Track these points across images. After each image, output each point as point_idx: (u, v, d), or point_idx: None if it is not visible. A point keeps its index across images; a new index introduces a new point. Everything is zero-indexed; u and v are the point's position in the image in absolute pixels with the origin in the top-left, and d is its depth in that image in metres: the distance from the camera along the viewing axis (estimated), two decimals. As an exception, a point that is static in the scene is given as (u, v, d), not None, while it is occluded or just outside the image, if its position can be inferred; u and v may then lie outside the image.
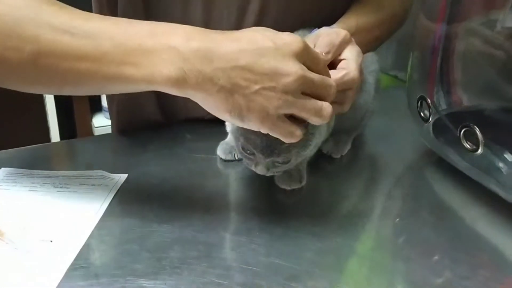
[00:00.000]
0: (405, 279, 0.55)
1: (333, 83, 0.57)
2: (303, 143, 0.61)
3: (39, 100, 1.79)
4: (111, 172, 0.73)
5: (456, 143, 0.67)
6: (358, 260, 0.58)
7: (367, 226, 0.64)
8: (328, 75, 0.59)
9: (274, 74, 0.53)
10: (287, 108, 0.54)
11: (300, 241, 0.59)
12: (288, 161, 0.63)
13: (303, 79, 0.54)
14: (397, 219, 0.66)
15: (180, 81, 0.54)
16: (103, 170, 0.73)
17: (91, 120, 1.89)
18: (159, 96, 0.88)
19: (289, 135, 0.56)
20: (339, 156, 0.76)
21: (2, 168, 0.74)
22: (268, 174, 0.64)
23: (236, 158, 0.75)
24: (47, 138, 1.79)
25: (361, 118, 0.79)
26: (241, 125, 0.57)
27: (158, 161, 0.77)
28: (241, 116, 0.55)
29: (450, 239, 0.61)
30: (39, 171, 0.73)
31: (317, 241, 0.59)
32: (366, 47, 0.78)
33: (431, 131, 0.73)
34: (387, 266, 0.57)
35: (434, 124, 0.73)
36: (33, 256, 0.56)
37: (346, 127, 0.77)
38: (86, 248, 0.57)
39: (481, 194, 0.68)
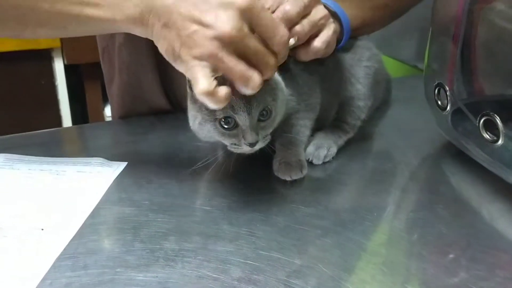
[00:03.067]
0: (416, 279, 0.51)
1: (274, 58, 0.55)
2: (270, 90, 0.60)
3: (52, 89, 1.78)
4: (111, 160, 0.70)
5: (475, 133, 0.62)
6: (366, 256, 0.54)
7: (377, 221, 0.59)
8: (281, 46, 0.55)
9: (209, 23, 0.52)
10: (213, 61, 0.52)
11: (304, 234, 0.55)
12: (270, 113, 0.60)
13: (237, 38, 0.52)
14: (410, 214, 0.62)
15: (139, 20, 0.55)
16: (103, 157, 0.71)
17: (103, 109, 1.87)
18: (164, 82, 0.85)
19: (195, 82, 0.53)
20: (320, 162, 0.71)
21: (1, 154, 0.71)
22: (260, 142, 0.60)
23: None
24: (59, 126, 1.78)
25: (347, 112, 0.75)
26: (175, 66, 0.56)
27: (160, 149, 0.74)
28: (174, 56, 0.55)
29: (467, 237, 0.57)
30: (38, 157, 0.71)
31: (322, 235, 0.55)
32: (372, 13, 0.78)
33: (449, 121, 0.68)
34: (397, 264, 0.53)
35: (452, 113, 0.68)
36: (22, 244, 0.53)
37: (327, 118, 0.75)
38: (78, 237, 0.55)
39: (501, 189, 0.63)
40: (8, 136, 0.82)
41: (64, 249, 0.53)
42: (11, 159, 0.71)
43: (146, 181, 0.66)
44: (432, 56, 0.72)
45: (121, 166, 0.69)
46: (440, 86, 0.68)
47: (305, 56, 0.67)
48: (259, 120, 0.60)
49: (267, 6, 0.61)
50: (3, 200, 0.61)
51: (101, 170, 0.68)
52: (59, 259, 0.51)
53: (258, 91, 0.56)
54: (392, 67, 1.35)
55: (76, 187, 0.64)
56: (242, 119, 0.58)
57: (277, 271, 0.50)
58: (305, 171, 0.66)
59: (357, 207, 0.62)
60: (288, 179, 0.65)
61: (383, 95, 0.86)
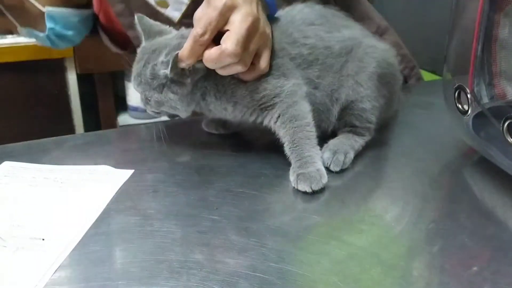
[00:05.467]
0: (438, 293, 0.48)
1: None
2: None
3: (64, 98, 1.78)
4: (118, 167, 0.68)
5: (498, 138, 0.59)
6: (384, 269, 0.50)
7: (396, 231, 0.56)
8: None
9: None
10: None
11: (317, 246, 0.52)
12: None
13: None
14: (431, 224, 0.58)
15: None
16: (110, 165, 0.68)
17: (116, 119, 1.87)
18: None
19: None
20: (338, 169, 0.67)
21: (5, 162, 0.70)
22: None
23: (216, 131, 0.78)
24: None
25: (353, 116, 0.72)
26: None
27: (168, 156, 0.72)
28: None
29: (491, 248, 0.53)
30: (42, 165, 0.69)
31: (337, 247, 0.52)
32: None
33: (470, 126, 0.65)
34: (418, 278, 0.50)
35: (473, 118, 0.65)
36: (22, 255, 0.51)
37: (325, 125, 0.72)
38: (80, 247, 0.52)
39: (528, 197, 0.60)
40: (13, 144, 0.81)
41: (65, 260, 0.50)
42: (15, 167, 0.69)
43: (152, 189, 0.63)
44: (451, 58, 0.69)
45: (127, 174, 0.67)
46: (460, 88, 0.65)
47: (249, 77, 0.65)
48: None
49: (206, 37, 0.61)
50: (5, 209, 0.59)
51: (107, 178, 0.65)
52: (60, 270, 0.49)
53: None
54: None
55: (80, 195, 0.62)
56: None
57: (288, 284, 0.47)
58: (324, 180, 0.62)
59: (373, 217, 0.58)
60: (309, 190, 0.61)
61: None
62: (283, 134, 0.67)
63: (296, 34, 0.70)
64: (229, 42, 0.60)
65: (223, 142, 0.76)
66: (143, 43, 0.70)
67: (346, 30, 0.73)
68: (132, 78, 0.69)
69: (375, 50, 0.72)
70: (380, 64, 0.71)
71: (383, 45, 0.75)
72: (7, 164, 0.69)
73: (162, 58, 0.64)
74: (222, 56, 0.60)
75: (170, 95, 0.66)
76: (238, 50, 0.60)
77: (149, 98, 0.67)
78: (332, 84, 0.70)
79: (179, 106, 0.68)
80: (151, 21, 0.71)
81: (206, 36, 0.61)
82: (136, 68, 0.68)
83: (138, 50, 0.70)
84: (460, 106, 0.66)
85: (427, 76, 1.31)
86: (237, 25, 0.61)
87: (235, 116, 0.69)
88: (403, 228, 0.57)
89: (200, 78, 0.66)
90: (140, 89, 0.68)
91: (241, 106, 0.68)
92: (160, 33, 0.70)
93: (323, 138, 0.70)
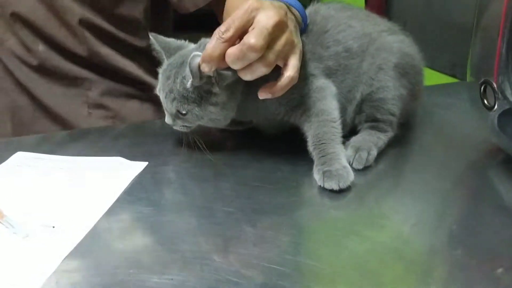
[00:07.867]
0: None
1: None
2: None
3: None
4: (132, 160, 0.67)
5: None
6: (406, 266, 0.48)
7: (419, 229, 0.54)
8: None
9: None
10: None
11: (335, 240, 0.51)
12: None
13: None
14: (454, 223, 0.56)
15: None
16: (124, 157, 0.67)
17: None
18: None
19: None
20: (361, 167, 0.65)
21: (18, 152, 0.69)
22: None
23: (231, 128, 0.73)
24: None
25: (373, 108, 0.69)
26: None
27: (182, 150, 0.70)
28: None
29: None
30: (56, 156, 0.68)
31: (358, 242, 0.50)
32: None
33: (496, 123, 0.63)
34: (441, 275, 0.47)
35: (500, 115, 0.63)
36: (32, 242, 0.50)
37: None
38: (92, 235, 0.51)
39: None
40: (28, 136, 0.81)
41: (76, 248, 0.49)
42: (28, 157, 0.68)
43: (166, 181, 0.62)
44: (477, 53, 0.67)
45: (141, 166, 0.65)
46: (486, 83, 0.62)
47: (277, 89, 0.61)
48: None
49: (228, 34, 0.58)
50: (17, 197, 0.58)
51: (120, 170, 0.64)
52: (70, 257, 0.48)
53: None
54: (429, 76, 1.30)
55: (93, 185, 0.61)
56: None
57: (305, 278, 0.45)
58: (351, 178, 0.60)
59: (394, 213, 0.57)
60: (336, 188, 0.59)
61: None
62: (307, 128, 0.65)
63: (320, 50, 0.69)
64: (251, 35, 0.57)
65: (238, 137, 0.74)
66: (166, 61, 0.67)
67: (354, 21, 0.72)
68: (164, 96, 0.66)
69: (387, 42, 0.71)
70: (395, 55, 0.70)
71: (396, 36, 0.73)
72: (20, 154, 0.69)
73: (187, 68, 0.62)
74: (244, 50, 0.56)
75: (211, 108, 0.64)
76: (260, 42, 0.57)
77: (185, 112, 0.64)
78: (349, 85, 0.70)
79: (220, 117, 0.66)
80: (166, 38, 0.69)
81: (229, 33, 0.58)
82: (166, 85, 0.65)
83: (163, 68, 0.67)
84: (486, 102, 0.63)
85: (447, 79, 1.29)
86: (261, 21, 0.58)
87: (265, 117, 0.69)
88: (424, 225, 0.55)
89: (238, 86, 0.64)
90: (175, 105, 0.64)
91: (272, 109, 0.67)
92: (180, 47, 0.68)
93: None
